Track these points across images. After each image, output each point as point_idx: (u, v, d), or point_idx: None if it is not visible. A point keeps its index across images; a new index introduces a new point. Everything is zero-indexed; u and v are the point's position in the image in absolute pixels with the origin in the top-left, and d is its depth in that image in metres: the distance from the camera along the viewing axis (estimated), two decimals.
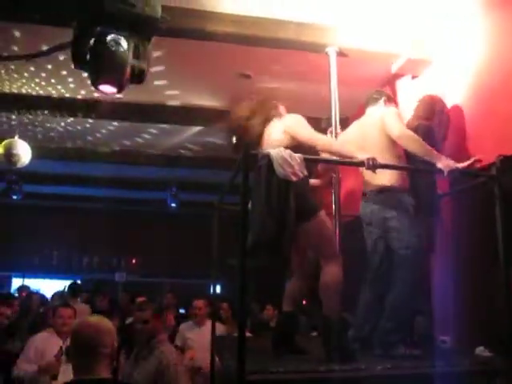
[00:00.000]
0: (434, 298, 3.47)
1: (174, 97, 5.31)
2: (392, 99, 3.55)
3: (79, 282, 9.73)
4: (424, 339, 3.10)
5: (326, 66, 4.09)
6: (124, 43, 2.46)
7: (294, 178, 2.43)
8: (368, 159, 2.61)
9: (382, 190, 3.04)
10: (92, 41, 2.69)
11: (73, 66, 2.58)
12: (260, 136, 2.90)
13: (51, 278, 10.83)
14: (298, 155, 2.53)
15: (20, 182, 7.76)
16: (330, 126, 3.96)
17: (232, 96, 5.21)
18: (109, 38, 2.41)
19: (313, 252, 2.81)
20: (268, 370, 2.28)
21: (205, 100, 5.36)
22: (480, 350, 2.84)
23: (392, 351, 2.78)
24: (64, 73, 4.83)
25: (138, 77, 2.78)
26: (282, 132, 2.78)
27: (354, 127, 3.44)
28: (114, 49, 2.40)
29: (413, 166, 3.15)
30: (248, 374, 2.15)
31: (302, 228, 2.60)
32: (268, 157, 2.46)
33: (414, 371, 2.45)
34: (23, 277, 11.02)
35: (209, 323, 5.02)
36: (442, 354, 2.82)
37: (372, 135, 3.13)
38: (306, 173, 2.46)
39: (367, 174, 3.06)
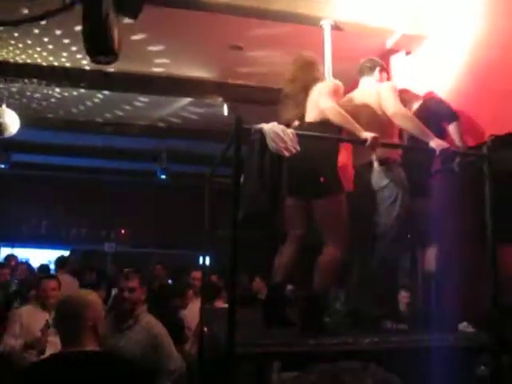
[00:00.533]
0: (419, 274, 3.52)
1: (164, 66, 5.22)
2: (385, 69, 3.50)
3: (68, 252, 9.80)
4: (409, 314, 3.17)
5: (319, 38, 4.04)
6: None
7: (286, 153, 2.43)
8: (372, 138, 2.66)
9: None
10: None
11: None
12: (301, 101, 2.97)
13: (40, 247, 10.82)
14: (290, 130, 2.52)
15: (8, 150, 7.67)
16: None
17: (223, 67, 5.16)
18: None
19: (322, 229, 2.82)
20: (256, 343, 2.31)
21: (195, 71, 5.28)
22: (463, 326, 2.90)
23: (378, 325, 2.83)
24: (46, 40, 4.72)
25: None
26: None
27: (347, 100, 3.40)
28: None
29: (409, 144, 3.17)
30: (237, 346, 2.18)
31: (319, 203, 2.67)
32: (261, 131, 2.44)
33: (400, 345, 2.51)
34: (12, 246, 11.00)
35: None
36: (426, 329, 2.87)
37: (367, 109, 3.11)
38: (298, 148, 2.45)
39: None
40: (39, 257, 10.01)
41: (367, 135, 2.69)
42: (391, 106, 2.99)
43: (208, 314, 3.72)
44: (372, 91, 3.16)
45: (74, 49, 4.80)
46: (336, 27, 4.07)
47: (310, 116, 2.95)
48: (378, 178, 3.05)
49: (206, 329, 3.62)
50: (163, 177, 9.05)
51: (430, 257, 3.24)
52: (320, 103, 2.89)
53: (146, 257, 9.72)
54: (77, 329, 2.02)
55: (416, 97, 3.70)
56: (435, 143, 2.85)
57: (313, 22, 4.07)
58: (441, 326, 2.72)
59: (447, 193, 3.47)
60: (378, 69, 3.35)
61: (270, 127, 2.45)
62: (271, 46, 4.75)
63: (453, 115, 3.50)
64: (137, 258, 8.84)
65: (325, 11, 4.03)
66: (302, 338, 2.46)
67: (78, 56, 4.91)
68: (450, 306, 3.23)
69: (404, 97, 3.40)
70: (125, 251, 10.31)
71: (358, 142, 2.79)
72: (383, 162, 3.03)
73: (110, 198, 10.19)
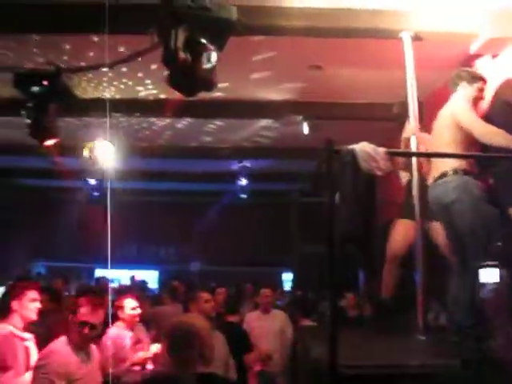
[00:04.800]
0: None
1: (245, 92, 5.38)
2: (476, 77, 3.40)
3: (156, 272, 10.28)
4: None
5: (397, 50, 3.99)
6: (214, 58, 2.56)
7: (378, 173, 2.43)
8: None
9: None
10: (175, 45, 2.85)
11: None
12: None
13: (130, 268, 11.40)
14: (381, 149, 2.52)
15: (102, 179, 8.18)
16: (403, 110, 3.90)
17: (302, 87, 5.23)
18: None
19: None
20: (364, 365, 2.30)
21: (275, 93, 5.39)
22: None
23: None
24: (140, 75, 5.03)
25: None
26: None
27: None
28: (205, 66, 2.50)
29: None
30: (341, 368, 2.18)
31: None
32: (352, 152, 2.46)
33: None
34: (105, 268, 11.65)
35: (273, 312, 5.14)
36: None
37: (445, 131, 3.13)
38: (391, 167, 2.45)
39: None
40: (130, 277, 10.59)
41: None
42: (476, 129, 2.99)
43: (300, 331, 3.75)
44: (447, 114, 3.13)
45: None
46: (416, 38, 4.01)
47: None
48: (449, 190, 2.98)
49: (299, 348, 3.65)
50: (244, 196, 9.28)
51: None
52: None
53: (231, 275, 9.92)
54: (187, 354, 2.15)
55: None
56: None
57: (391, 35, 4.03)
58: None
59: None
60: (463, 83, 3.30)
61: (360, 147, 2.46)
62: (350, 63, 4.76)
63: None
64: (222, 276, 9.05)
65: (403, 23, 3.99)
66: (404, 358, 2.42)
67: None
68: None
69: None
70: (209, 269, 10.61)
71: None
72: (458, 173, 2.97)
73: (194, 218, 10.55)
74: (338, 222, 2.34)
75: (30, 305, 3.04)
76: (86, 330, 2.72)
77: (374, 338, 3.19)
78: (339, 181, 2.45)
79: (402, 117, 3.96)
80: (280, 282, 11.21)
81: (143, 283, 9.36)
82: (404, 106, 3.93)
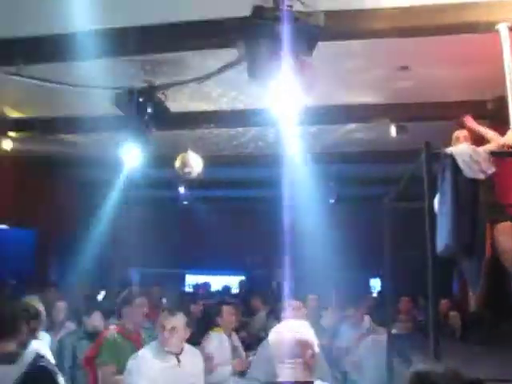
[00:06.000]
0: None
1: (333, 97, 5.34)
2: None
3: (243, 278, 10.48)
4: None
5: (489, 44, 3.78)
6: None
7: (481, 176, 2.31)
8: None
9: None
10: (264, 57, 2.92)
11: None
12: None
13: (219, 274, 11.71)
14: (481, 149, 2.40)
15: (192, 188, 8.51)
16: (498, 107, 3.69)
17: (389, 89, 5.11)
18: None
19: None
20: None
21: (363, 97, 5.32)
22: None
23: None
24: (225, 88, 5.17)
25: None
26: None
27: None
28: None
29: None
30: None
31: None
32: (451, 155, 2.37)
33: None
34: (194, 273, 12.07)
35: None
36: None
37: None
38: (493, 169, 2.32)
39: None
40: (218, 282, 10.90)
41: None
42: None
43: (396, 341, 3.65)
44: None
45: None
46: None
47: None
48: None
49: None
50: (332, 201, 9.23)
51: None
52: None
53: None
54: (293, 365, 2.17)
55: None
56: None
57: (485, 28, 3.83)
58: None
59: None
60: None
61: (459, 150, 2.37)
62: (438, 60, 4.58)
63: None
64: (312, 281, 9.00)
65: (498, 14, 3.77)
66: None
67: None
68: None
69: None
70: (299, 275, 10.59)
71: None
72: None
73: (281, 224, 10.61)
74: (439, 228, 2.26)
75: None
76: None
77: (474, 348, 3.04)
78: (438, 185, 2.37)
79: (497, 114, 3.75)
80: (368, 288, 11.01)
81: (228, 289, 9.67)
82: (499, 102, 3.72)
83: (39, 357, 2.87)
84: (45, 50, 4.00)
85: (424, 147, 2.26)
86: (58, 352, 4.27)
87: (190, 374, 3.35)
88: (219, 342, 4.10)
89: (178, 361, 3.30)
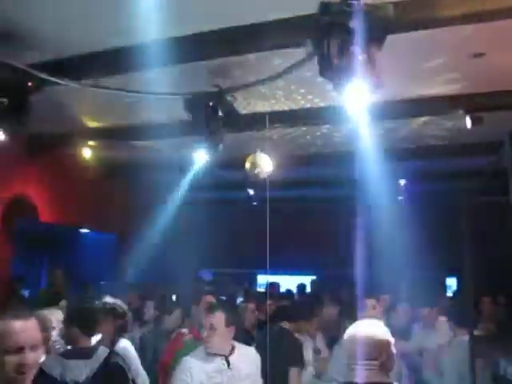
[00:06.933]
0: None
1: (404, 90, 5.19)
2: None
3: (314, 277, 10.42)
4: None
5: None
6: None
7: None
8: None
9: None
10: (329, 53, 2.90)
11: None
12: None
13: (290, 274, 11.71)
14: None
15: (261, 189, 8.57)
16: None
17: (464, 78, 4.89)
18: None
19: None
20: None
21: (436, 88, 5.13)
22: None
23: None
24: (292, 87, 5.18)
25: None
26: None
27: None
28: None
29: None
30: None
31: None
32: None
33: None
34: (266, 273, 12.13)
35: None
36: None
37: None
38: None
39: None
40: (290, 282, 10.89)
41: None
42: None
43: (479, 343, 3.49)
44: None
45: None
46: None
47: None
48: None
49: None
50: (400, 198, 8.97)
51: None
52: None
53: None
54: (369, 366, 2.15)
55: None
56: None
57: None
58: None
59: None
60: None
61: None
62: None
63: None
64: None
65: None
66: None
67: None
68: None
69: None
70: (369, 274, 10.39)
71: None
72: None
73: (351, 222, 10.47)
74: None
75: None
76: None
77: None
78: None
79: None
80: (444, 287, 10.59)
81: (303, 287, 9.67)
82: None
83: (113, 354, 3.04)
84: (121, 61, 4.17)
85: (508, 137, 2.15)
86: (140, 349, 4.48)
87: (243, 377, 3.13)
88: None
89: (228, 363, 3.10)
